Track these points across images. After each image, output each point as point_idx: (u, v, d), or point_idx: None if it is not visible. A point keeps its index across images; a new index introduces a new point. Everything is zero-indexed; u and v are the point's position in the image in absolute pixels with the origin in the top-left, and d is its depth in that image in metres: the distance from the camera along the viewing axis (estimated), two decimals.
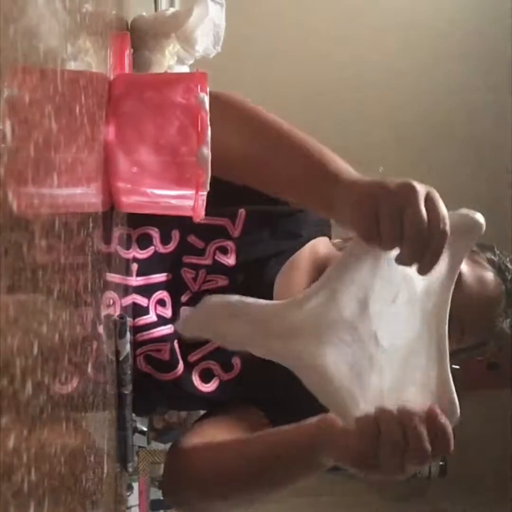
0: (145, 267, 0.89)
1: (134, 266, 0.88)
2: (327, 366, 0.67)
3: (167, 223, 0.90)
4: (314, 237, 1.00)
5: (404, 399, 0.67)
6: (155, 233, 0.90)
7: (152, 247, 0.90)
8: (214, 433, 0.90)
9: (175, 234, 0.91)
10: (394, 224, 0.63)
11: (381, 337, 0.69)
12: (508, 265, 0.98)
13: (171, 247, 0.91)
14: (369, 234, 0.64)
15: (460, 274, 0.90)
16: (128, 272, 0.87)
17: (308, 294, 0.69)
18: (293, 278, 0.96)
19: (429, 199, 0.63)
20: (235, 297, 0.68)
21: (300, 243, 0.98)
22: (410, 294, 0.70)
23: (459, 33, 2.81)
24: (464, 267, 0.92)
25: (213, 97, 0.70)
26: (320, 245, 1.01)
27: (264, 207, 0.94)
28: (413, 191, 0.63)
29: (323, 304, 0.68)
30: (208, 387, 0.93)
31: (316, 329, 0.67)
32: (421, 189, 0.64)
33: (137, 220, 0.87)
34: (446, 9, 2.80)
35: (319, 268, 0.97)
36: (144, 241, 0.89)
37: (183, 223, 0.87)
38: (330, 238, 1.04)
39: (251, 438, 0.85)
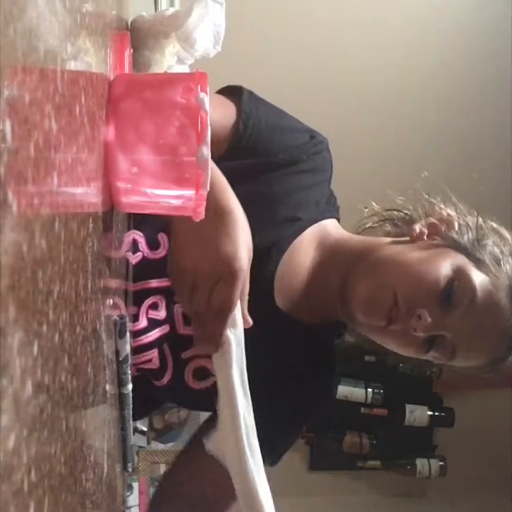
0: (136, 274, 0.87)
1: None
2: None
3: (152, 226, 0.86)
4: (318, 219, 0.94)
5: None
6: (140, 238, 0.87)
7: (140, 253, 0.87)
8: None
9: (163, 238, 0.87)
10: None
11: None
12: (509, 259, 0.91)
13: (161, 252, 0.86)
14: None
15: (474, 294, 0.86)
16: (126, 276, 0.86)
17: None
18: (294, 267, 0.92)
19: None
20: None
21: (301, 227, 0.92)
22: None
23: (461, 33, 2.81)
24: (478, 284, 0.86)
25: None
26: (329, 227, 0.96)
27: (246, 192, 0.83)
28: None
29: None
30: (201, 384, 0.90)
31: None
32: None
33: (127, 225, 0.85)
34: (447, 7, 2.80)
35: (328, 252, 0.93)
36: (133, 247, 0.86)
37: (168, 225, 0.83)
38: (338, 221, 0.99)
39: None
